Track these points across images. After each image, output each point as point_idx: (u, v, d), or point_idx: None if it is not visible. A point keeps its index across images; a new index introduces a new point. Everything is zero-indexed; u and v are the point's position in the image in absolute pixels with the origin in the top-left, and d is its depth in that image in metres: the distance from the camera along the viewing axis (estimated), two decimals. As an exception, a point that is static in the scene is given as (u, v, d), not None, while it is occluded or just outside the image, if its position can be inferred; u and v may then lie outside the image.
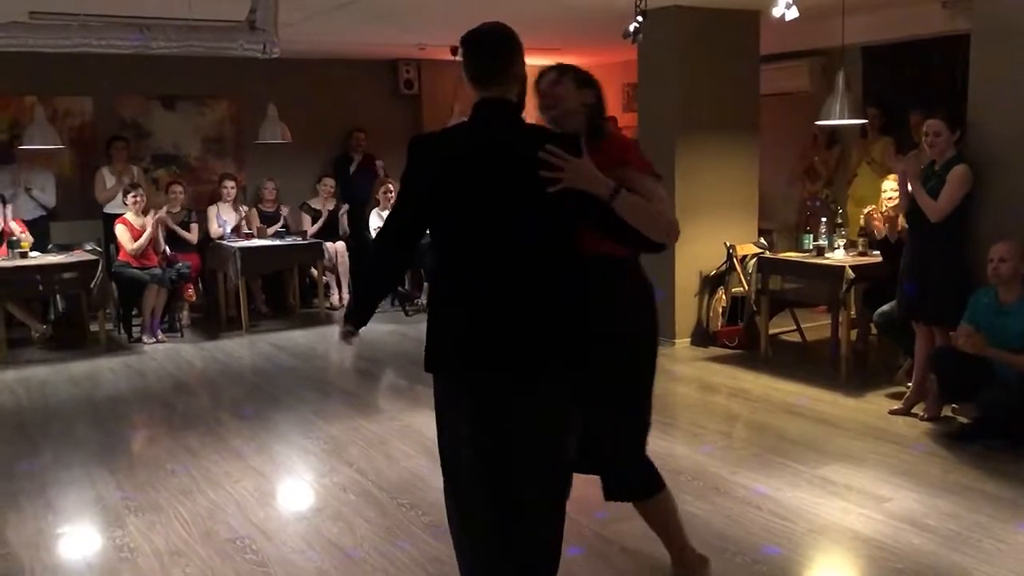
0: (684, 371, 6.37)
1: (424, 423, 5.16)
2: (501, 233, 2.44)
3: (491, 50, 2.52)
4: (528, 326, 2.44)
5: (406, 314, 8.33)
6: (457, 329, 2.49)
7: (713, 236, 6.80)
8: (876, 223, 5.87)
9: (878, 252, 5.95)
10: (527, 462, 2.51)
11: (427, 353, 2.56)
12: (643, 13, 5.73)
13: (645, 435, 3.07)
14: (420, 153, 2.55)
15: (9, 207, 7.51)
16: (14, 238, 7.25)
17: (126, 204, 7.54)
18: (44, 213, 7.92)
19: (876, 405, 5.34)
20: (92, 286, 7.11)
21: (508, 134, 2.50)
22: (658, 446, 4.71)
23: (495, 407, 2.48)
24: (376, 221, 8.35)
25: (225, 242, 8.01)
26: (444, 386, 2.59)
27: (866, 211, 6.07)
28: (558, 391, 2.52)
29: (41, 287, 7.19)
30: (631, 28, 5.83)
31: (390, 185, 8.59)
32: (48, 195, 8.01)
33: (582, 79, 3.00)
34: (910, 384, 5.27)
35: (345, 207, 9.11)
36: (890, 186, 5.88)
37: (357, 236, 8.95)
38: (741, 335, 6.72)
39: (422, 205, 2.55)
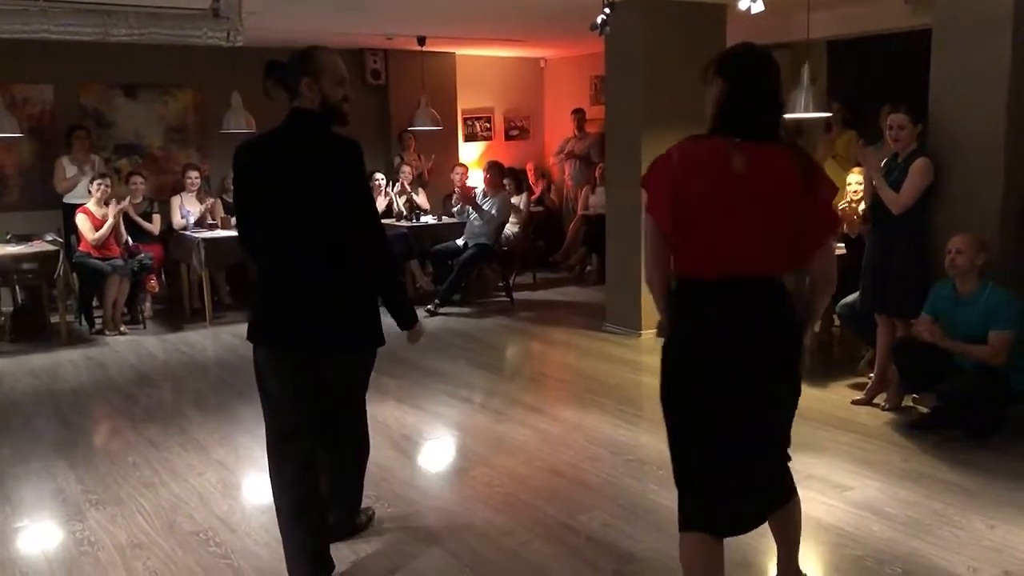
0: (650, 362, 6.40)
1: (389, 414, 5.15)
2: (291, 224, 3.01)
3: (290, 70, 3.10)
4: (316, 306, 3.03)
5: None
6: (272, 307, 3.10)
7: (679, 228, 6.82)
8: (849, 219, 5.92)
9: (842, 244, 6.01)
10: (336, 389, 3.22)
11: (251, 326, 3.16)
12: (611, 5, 5.74)
13: None
14: (238, 157, 3.10)
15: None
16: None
17: (90, 192, 7.41)
18: None
19: (839, 395, 5.40)
20: (55, 276, 6.99)
21: (302, 138, 3.05)
22: (624, 436, 4.75)
23: (307, 365, 3.10)
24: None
25: (189, 233, 7.91)
26: (265, 352, 3.15)
27: (839, 208, 6.12)
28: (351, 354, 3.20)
29: (0, 278, 7.07)
30: (598, 20, 5.83)
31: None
32: None
33: None
34: (872, 375, 5.33)
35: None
36: (855, 179, 5.94)
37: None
38: (707, 327, 6.74)
39: (244, 199, 3.15)
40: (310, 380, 3.10)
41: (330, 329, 3.06)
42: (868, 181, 5.12)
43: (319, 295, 3.01)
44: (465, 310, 8.23)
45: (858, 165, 6.07)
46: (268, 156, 3.05)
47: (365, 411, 3.40)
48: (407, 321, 3.30)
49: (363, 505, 3.65)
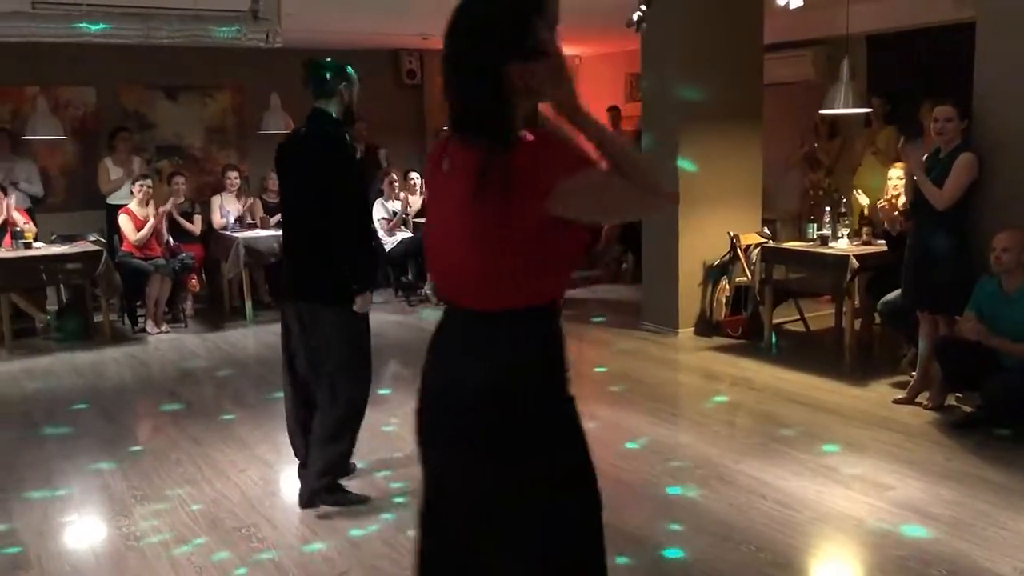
0: (687, 360, 6.37)
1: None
2: (296, 206, 3.86)
3: (332, 76, 3.79)
4: (300, 271, 3.83)
5: (409, 304, 8.33)
6: (286, 272, 3.95)
7: (716, 226, 6.79)
8: (889, 215, 5.85)
9: (883, 241, 5.94)
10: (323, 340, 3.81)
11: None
12: (647, 2, 5.72)
13: None
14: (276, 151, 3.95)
15: (13, 197, 7.51)
16: (18, 228, 7.25)
17: (133, 193, 7.54)
18: (30, 205, 7.90)
19: (880, 394, 5.34)
20: (97, 275, 7.11)
21: (311, 135, 3.80)
22: (661, 435, 4.74)
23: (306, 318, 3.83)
24: (380, 211, 8.35)
25: (228, 232, 8.01)
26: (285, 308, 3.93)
27: (879, 204, 6.05)
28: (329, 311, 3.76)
29: (45, 277, 7.20)
30: (635, 17, 5.82)
31: (394, 175, 8.59)
32: (35, 185, 8.02)
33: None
34: (914, 373, 5.26)
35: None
36: (896, 174, 5.87)
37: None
38: (745, 325, 6.71)
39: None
40: (297, 329, 3.84)
41: (304, 286, 3.82)
42: (909, 177, 5.06)
43: (302, 264, 3.83)
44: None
45: (899, 161, 6.00)
46: (287, 151, 3.89)
47: (343, 387, 3.79)
48: (356, 289, 3.73)
49: (341, 481, 3.95)
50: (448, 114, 1.88)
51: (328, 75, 3.75)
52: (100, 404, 5.60)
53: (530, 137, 1.78)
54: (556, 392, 1.93)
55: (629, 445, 4.60)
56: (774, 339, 6.50)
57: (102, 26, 5.49)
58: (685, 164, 6.74)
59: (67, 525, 3.85)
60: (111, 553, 3.55)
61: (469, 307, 1.85)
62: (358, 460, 4.22)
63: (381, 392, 5.44)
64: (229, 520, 3.81)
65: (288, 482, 4.27)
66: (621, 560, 3.33)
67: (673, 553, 3.43)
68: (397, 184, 8.55)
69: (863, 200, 6.21)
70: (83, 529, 3.83)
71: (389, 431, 4.88)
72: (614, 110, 10.33)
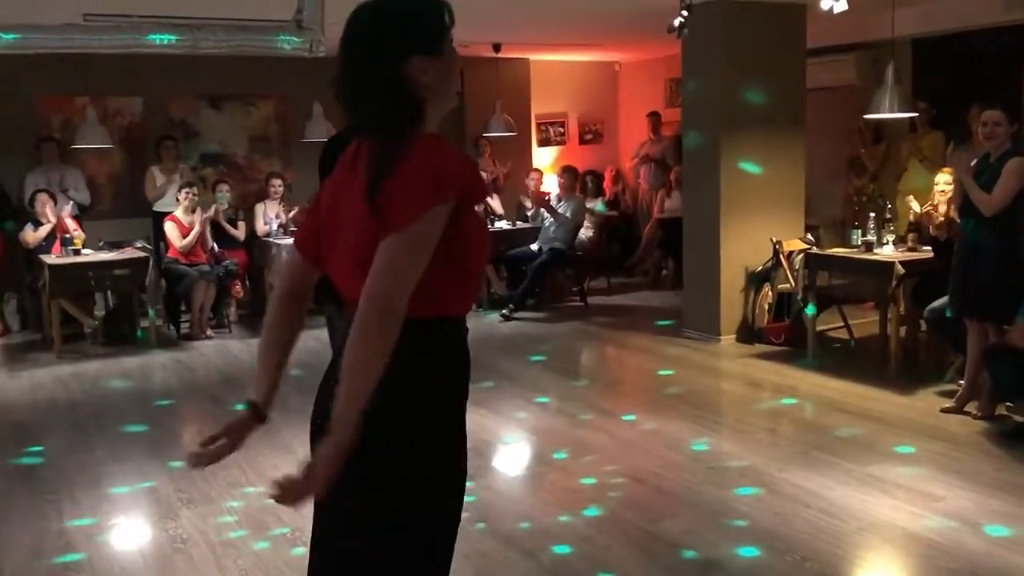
0: (730, 368, 6.32)
1: (475, 420, 5.18)
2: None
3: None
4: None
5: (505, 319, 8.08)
6: None
7: (759, 232, 6.73)
8: (935, 221, 5.76)
9: (929, 247, 5.85)
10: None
11: None
12: (688, 7, 5.70)
13: None
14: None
15: (70, 205, 7.67)
16: (67, 235, 7.40)
17: (178, 200, 7.66)
18: (77, 212, 8.04)
19: (927, 403, 5.25)
20: (146, 282, 7.23)
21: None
22: (705, 442, 4.70)
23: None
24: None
25: (271, 239, 8.11)
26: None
27: (924, 209, 5.96)
28: None
29: (93, 283, 7.34)
30: (676, 23, 5.80)
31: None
32: (83, 193, 8.18)
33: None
34: (962, 382, 5.17)
35: None
36: (943, 180, 5.78)
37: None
38: (787, 332, 6.64)
39: None
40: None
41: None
42: (958, 182, 4.98)
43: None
44: (539, 315, 8.24)
45: (946, 166, 5.92)
46: (329, 154, 3.92)
47: None
48: None
49: None
50: (348, 119, 1.91)
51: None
52: (146, 408, 5.69)
53: (422, 147, 1.75)
54: (438, 418, 1.81)
55: (672, 453, 4.57)
56: (817, 347, 6.42)
57: (151, 37, 5.59)
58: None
59: (116, 527, 3.92)
60: (158, 555, 3.61)
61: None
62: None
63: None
64: (274, 524, 3.85)
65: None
66: (664, 567, 3.32)
67: (717, 560, 3.40)
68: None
69: (915, 206, 6.10)
70: (131, 531, 3.89)
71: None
72: (654, 116, 10.30)
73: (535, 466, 4.58)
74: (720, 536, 3.61)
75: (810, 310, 6.21)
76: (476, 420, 5.22)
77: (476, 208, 1.85)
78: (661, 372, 6.27)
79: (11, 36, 5.38)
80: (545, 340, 7.29)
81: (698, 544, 3.54)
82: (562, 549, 3.54)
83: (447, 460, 1.85)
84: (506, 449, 4.82)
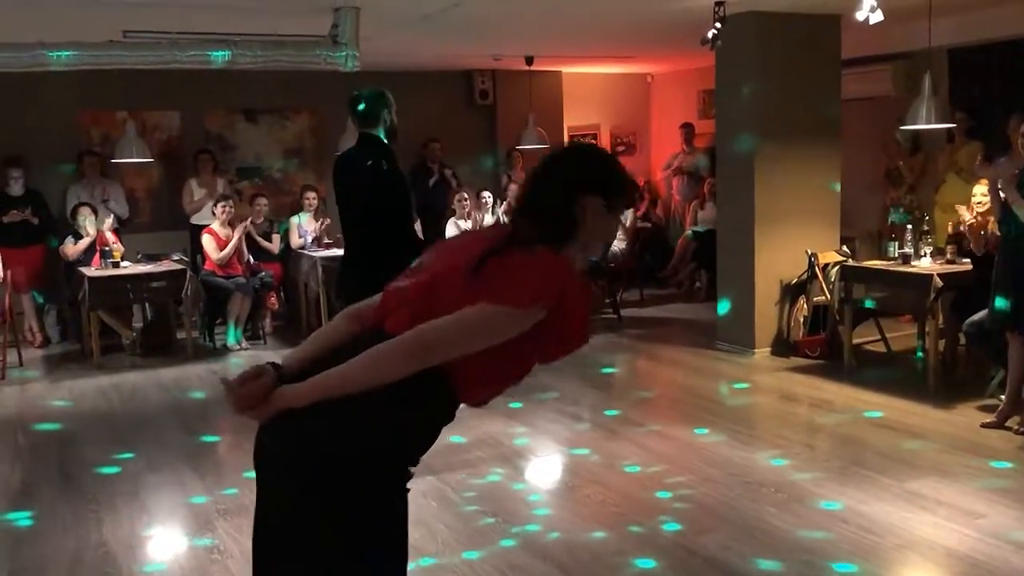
0: (765, 381, 6.27)
1: (500, 430, 5.19)
2: (346, 215, 4.54)
3: (374, 104, 4.40)
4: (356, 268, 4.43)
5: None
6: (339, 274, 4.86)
7: (794, 244, 6.68)
8: (975, 234, 5.67)
9: (968, 260, 5.77)
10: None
11: None
12: (722, 20, 5.69)
13: None
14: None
15: (110, 218, 7.80)
16: (106, 248, 7.52)
17: (215, 214, 7.77)
18: (117, 225, 8.17)
19: (967, 418, 5.17)
20: (185, 293, 7.33)
21: (360, 155, 4.42)
22: (739, 457, 4.66)
23: None
24: (452, 229, 8.43)
25: (306, 252, 8.18)
26: None
27: (967, 223, 5.85)
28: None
29: (131, 295, 7.45)
30: (710, 35, 5.80)
31: (464, 193, 8.68)
32: (121, 206, 8.31)
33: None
34: (1003, 396, 5.09)
35: (415, 220, 9.21)
36: (980, 191, 5.70)
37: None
38: (823, 345, 6.58)
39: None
40: None
41: (349, 285, 4.48)
42: (996, 194, 4.91)
43: (348, 264, 4.59)
44: (573, 327, 8.21)
45: (976, 176, 5.83)
46: (339, 172, 4.60)
47: None
48: None
49: None
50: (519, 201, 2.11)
51: (369, 105, 4.33)
52: (183, 419, 5.75)
53: (556, 255, 1.93)
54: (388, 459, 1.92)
55: (707, 467, 4.54)
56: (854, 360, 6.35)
57: (189, 53, 5.68)
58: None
59: (154, 538, 3.96)
60: (196, 567, 3.64)
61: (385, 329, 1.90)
62: (442, 484, 4.25)
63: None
64: (309, 535, 3.87)
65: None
66: (700, 584, 3.29)
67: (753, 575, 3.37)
68: (468, 203, 8.63)
69: (967, 216, 5.94)
70: (169, 542, 3.94)
71: (471, 455, 4.90)
72: (687, 127, 10.27)
73: (568, 478, 4.57)
74: (757, 551, 3.57)
75: (869, 303, 6.23)
76: (508, 432, 5.23)
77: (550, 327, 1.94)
78: (695, 385, 6.23)
79: (54, 54, 5.50)
80: (578, 352, 7.25)
81: (736, 560, 3.51)
82: (596, 562, 3.52)
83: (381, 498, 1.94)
84: (540, 461, 4.82)
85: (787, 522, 3.84)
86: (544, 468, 4.77)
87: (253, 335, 7.98)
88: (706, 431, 5.10)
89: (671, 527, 3.83)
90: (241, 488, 4.44)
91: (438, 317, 1.84)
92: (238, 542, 3.82)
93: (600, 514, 4.03)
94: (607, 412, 5.60)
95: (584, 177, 2.04)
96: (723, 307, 7.13)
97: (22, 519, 4.19)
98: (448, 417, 1.99)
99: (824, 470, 4.45)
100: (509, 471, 4.58)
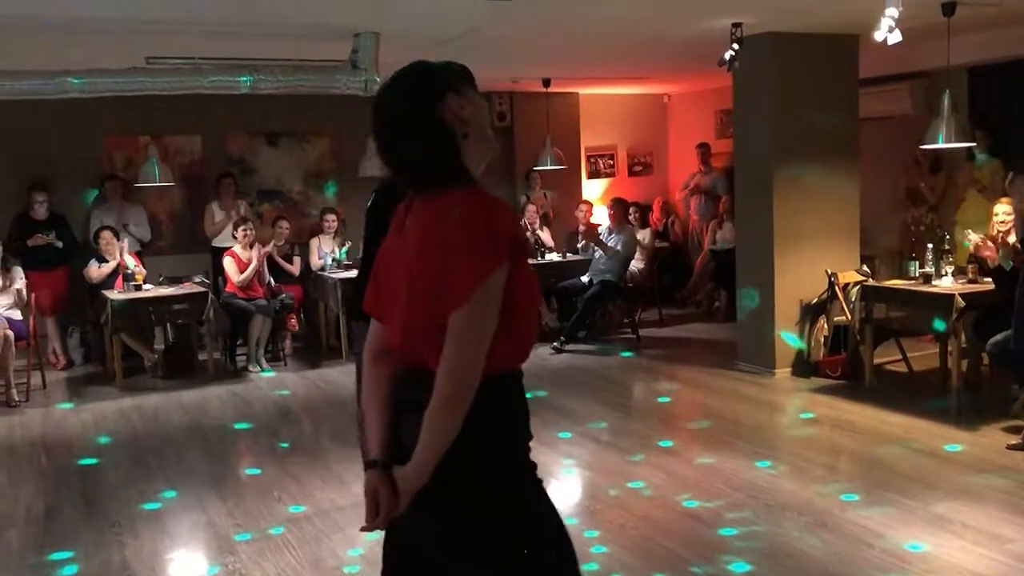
0: (785, 402, 6.23)
1: (542, 452, 5.16)
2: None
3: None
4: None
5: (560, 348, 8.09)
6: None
7: (813, 264, 6.66)
8: (988, 252, 5.63)
9: (990, 279, 5.73)
10: None
11: None
12: (739, 41, 5.71)
13: None
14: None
15: (126, 241, 7.88)
16: (129, 271, 7.59)
17: (235, 237, 7.83)
18: (139, 249, 8.25)
19: (992, 439, 5.11)
20: (206, 316, 7.38)
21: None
22: (763, 479, 4.63)
23: None
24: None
25: (326, 274, 8.22)
26: None
27: (978, 239, 5.81)
28: None
29: (153, 318, 7.51)
30: (727, 56, 5.82)
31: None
32: (143, 229, 8.40)
33: None
34: (1028, 417, 5.03)
35: None
36: (1003, 209, 5.67)
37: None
38: (844, 365, 6.53)
39: None
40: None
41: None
42: (1019, 212, 4.88)
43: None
44: (590, 347, 8.21)
45: (1005, 195, 5.80)
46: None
47: None
48: None
49: None
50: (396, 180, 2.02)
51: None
52: (205, 441, 5.78)
53: (469, 205, 1.83)
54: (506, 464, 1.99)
55: (728, 489, 4.51)
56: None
57: (212, 78, 5.75)
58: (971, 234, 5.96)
59: (175, 560, 3.98)
60: (218, 589, 3.65)
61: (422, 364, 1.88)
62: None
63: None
64: (330, 559, 3.88)
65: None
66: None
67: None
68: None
69: (973, 236, 5.87)
70: (191, 565, 3.95)
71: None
72: (704, 147, 10.28)
73: (588, 502, 4.55)
74: (782, 575, 3.55)
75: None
76: (537, 449, 5.20)
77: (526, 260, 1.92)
78: (715, 406, 6.20)
79: (78, 80, 5.60)
80: (596, 373, 7.26)
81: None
82: (619, 587, 3.51)
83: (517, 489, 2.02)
84: (559, 484, 4.80)
85: (812, 547, 3.81)
86: (564, 491, 4.72)
87: (273, 357, 8.02)
88: (727, 452, 5.07)
89: (693, 551, 3.80)
90: (261, 511, 4.46)
91: (437, 323, 1.81)
92: (259, 565, 3.83)
93: (622, 538, 4.00)
94: (625, 433, 5.57)
95: (418, 91, 1.90)
96: (742, 325, 7.10)
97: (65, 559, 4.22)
98: (519, 389, 1.99)
99: (848, 492, 4.41)
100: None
